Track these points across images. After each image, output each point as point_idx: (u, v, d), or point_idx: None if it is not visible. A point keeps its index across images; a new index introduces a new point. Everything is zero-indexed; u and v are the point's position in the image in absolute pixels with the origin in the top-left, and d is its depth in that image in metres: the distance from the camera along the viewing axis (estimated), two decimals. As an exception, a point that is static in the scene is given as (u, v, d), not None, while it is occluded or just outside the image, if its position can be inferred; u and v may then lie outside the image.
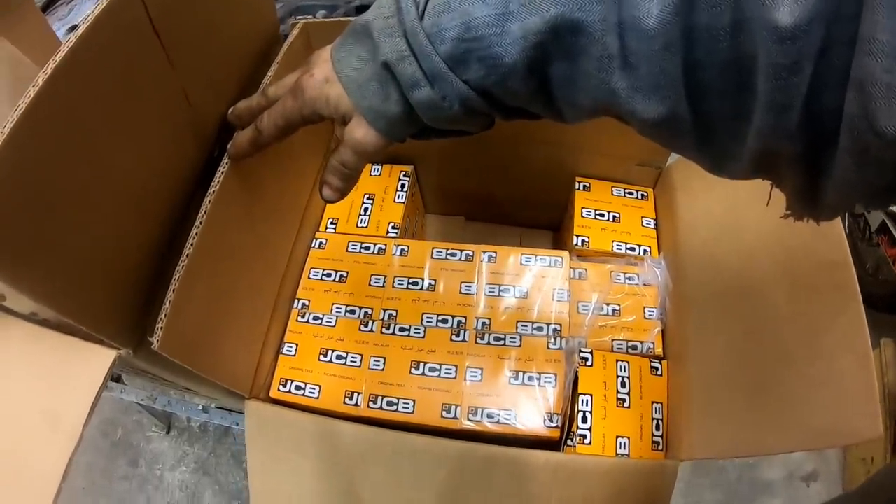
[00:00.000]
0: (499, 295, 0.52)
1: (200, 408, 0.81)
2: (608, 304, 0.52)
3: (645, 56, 0.22)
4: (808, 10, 0.18)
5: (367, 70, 0.28)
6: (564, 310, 0.51)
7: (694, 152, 0.25)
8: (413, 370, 0.49)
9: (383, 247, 0.55)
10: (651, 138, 0.25)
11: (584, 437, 0.46)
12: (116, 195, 0.33)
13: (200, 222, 0.36)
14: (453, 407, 0.47)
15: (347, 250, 0.55)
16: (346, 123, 0.30)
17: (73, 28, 0.29)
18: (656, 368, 0.49)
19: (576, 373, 0.48)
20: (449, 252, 0.54)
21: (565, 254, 0.53)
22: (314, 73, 0.30)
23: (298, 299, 0.53)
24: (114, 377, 0.84)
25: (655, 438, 0.47)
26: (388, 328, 0.51)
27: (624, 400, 0.48)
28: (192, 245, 0.35)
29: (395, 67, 0.26)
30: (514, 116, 0.28)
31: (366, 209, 0.58)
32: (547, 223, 0.73)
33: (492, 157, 0.62)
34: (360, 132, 0.29)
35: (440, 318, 0.51)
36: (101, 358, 0.34)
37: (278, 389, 0.49)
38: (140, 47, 0.33)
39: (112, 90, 0.31)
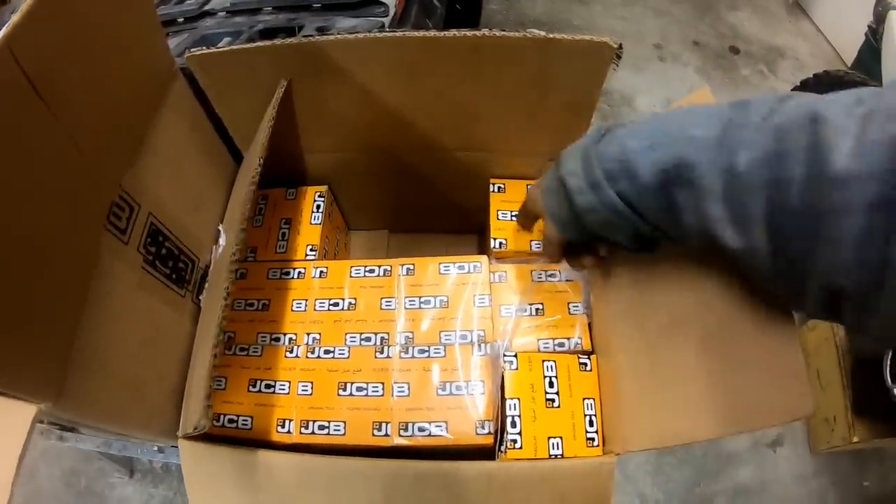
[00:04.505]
0: (419, 307, 0.51)
1: (156, 448, 0.80)
2: (531, 304, 0.52)
3: (734, 194, 0.28)
4: (862, 165, 0.23)
5: (554, 182, 0.38)
6: (487, 315, 0.51)
7: (770, 285, 0.31)
8: (341, 391, 0.48)
9: (302, 270, 0.55)
10: (734, 266, 0.33)
11: (515, 441, 0.46)
12: (17, 251, 0.33)
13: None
14: (384, 424, 0.47)
15: (268, 277, 0.55)
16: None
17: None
18: (585, 364, 0.49)
19: (503, 377, 0.48)
20: (367, 269, 0.54)
21: (483, 258, 0.53)
22: (537, 183, 0.42)
23: (224, 332, 0.53)
24: (67, 427, 0.82)
25: (590, 435, 0.47)
26: (312, 352, 0.50)
27: (553, 400, 0.48)
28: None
29: (566, 180, 0.36)
30: (658, 234, 0.35)
31: (283, 234, 0.58)
32: (472, 228, 0.73)
33: (405, 168, 0.62)
34: (547, 227, 0.41)
35: (363, 336, 0.51)
36: (22, 413, 0.34)
37: (213, 424, 0.48)
38: (19, 105, 0.34)
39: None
